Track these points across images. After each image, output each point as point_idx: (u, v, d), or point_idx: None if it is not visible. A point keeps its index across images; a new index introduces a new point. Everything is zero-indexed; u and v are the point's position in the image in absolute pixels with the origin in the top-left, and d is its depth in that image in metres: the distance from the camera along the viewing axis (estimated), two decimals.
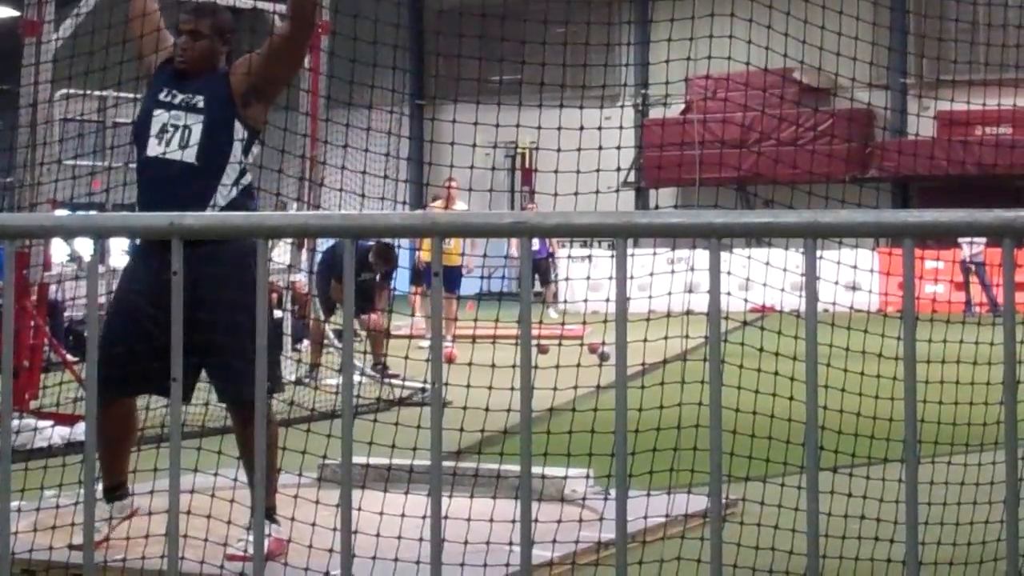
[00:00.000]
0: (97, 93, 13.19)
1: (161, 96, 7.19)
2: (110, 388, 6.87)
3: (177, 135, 7.08)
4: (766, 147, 26.07)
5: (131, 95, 11.28)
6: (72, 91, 12.82)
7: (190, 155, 7.03)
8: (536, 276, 23.21)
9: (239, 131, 7.10)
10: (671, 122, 33.07)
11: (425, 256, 20.19)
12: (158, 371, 6.71)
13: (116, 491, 7.28)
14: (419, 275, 20.96)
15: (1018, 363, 3.76)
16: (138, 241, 7.11)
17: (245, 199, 7.08)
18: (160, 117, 7.14)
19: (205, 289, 6.63)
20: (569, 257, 26.87)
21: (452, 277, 20.50)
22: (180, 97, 7.16)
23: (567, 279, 23.55)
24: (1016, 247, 3.76)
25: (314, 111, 14.06)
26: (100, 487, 7.20)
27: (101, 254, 4.57)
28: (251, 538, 6.37)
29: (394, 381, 14.31)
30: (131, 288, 7.04)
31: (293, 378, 14.19)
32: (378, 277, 17.09)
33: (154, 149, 7.11)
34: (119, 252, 17.56)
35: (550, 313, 24.45)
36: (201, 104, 7.11)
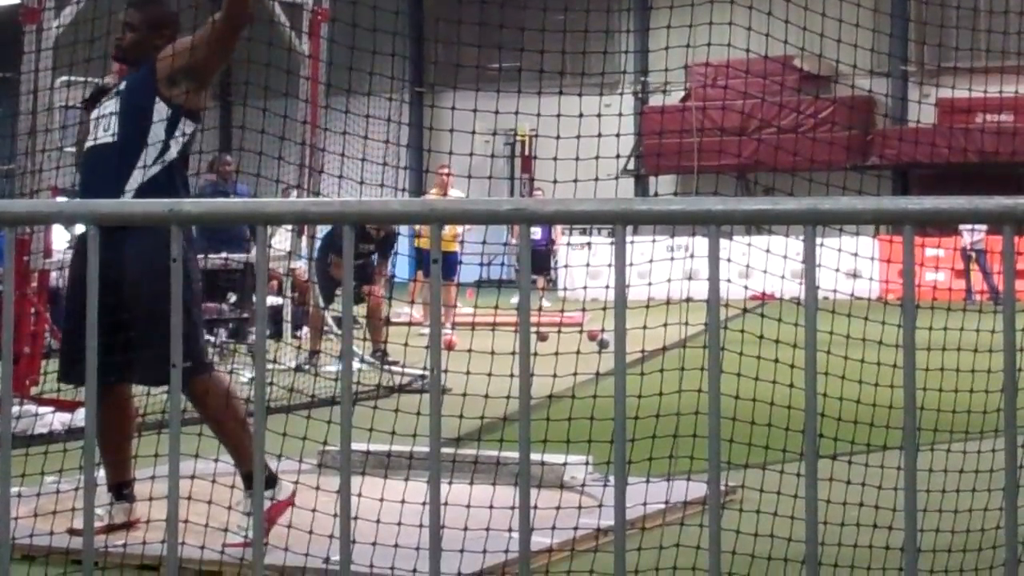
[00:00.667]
0: (98, 80, 13.17)
1: (103, 99, 7.49)
2: (78, 376, 6.91)
3: (102, 124, 7.32)
4: (766, 135, 26.07)
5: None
6: (73, 78, 12.82)
7: (109, 138, 7.26)
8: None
9: (160, 111, 7.21)
10: (671, 109, 33.05)
11: (424, 243, 20.20)
12: (113, 356, 6.79)
13: (122, 489, 7.29)
14: (423, 262, 20.97)
15: (1018, 351, 3.76)
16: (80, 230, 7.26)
17: (169, 175, 7.18)
18: (95, 114, 7.44)
19: (119, 273, 6.71)
20: (568, 244, 26.88)
21: (449, 264, 20.54)
22: (109, 93, 7.45)
23: (567, 266, 23.55)
24: (1017, 235, 3.76)
25: (314, 98, 14.05)
26: (102, 473, 7.21)
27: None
28: (249, 524, 6.41)
29: (393, 368, 14.31)
30: (77, 275, 7.14)
31: (293, 365, 14.20)
32: (376, 256, 17.08)
33: (88, 143, 7.42)
34: None
35: (543, 303, 24.44)
36: (122, 90, 7.35)
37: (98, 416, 6.92)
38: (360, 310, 16.76)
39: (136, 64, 7.40)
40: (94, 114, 7.43)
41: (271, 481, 7.03)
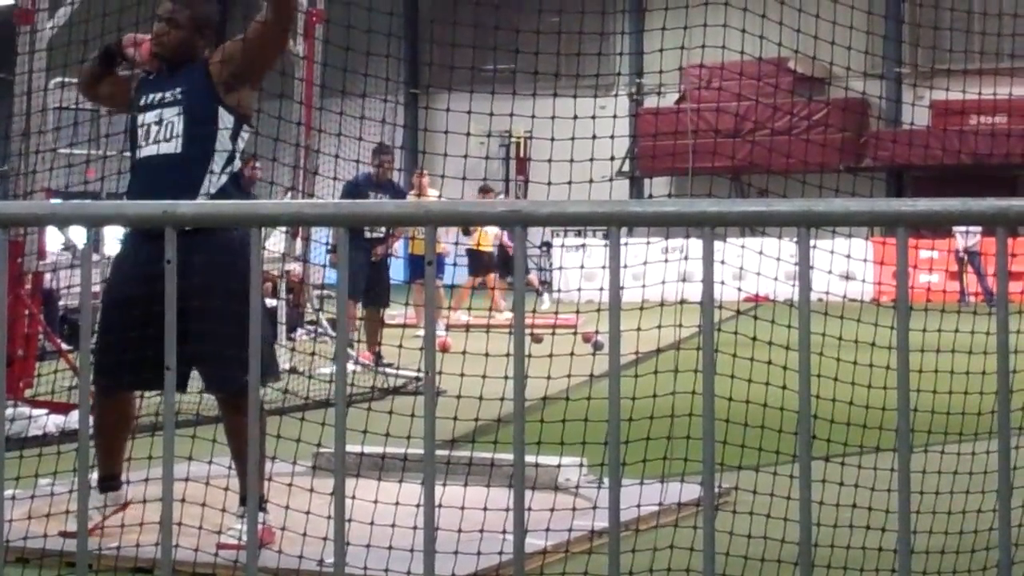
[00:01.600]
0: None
1: (143, 102, 7.25)
2: (107, 378, 6.90)
3: (162, 131, 7.12)
4: (760, 137, 26.09)
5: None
6: (66, 79, 12.81)
7: (175, 146, 7.07)
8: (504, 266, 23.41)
9: (224, 118, 7.11)
10: (665, 111, 33.08)
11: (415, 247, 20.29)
12: (153, 361, 6.76)
13: (110, 481, 7.29)
14: (413, 267, 21.00)
15: (1012, 353, 3.76)
16: (128, 231, 7.12)
17: (236, 183, 7.13)
18: (146, 119, 7.20)
19: (195, 277, 6.63)
20: (563, 246, 26.88)
21: (438, 265, 20.62)
22: (159, 96, 7.21)
23: (561, 268, 23.59)
24: (1010, 236, 3.76)
25: (308, 100, 14.05)
26: (96, 476, 7.21)
27: (95, 243, 4.57)
28: (243, 527, 6.40)
29: (388, 370, 14.32)
30: (123, 278, 7.04)
31: (287, 367, 14.20)
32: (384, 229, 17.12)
33: (141, 149, 7.18)
34: (113, 241, 17.58)
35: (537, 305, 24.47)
36: (180, 96, 7.14)
37: (99, 416, 6.97)
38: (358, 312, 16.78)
39: (174, 63, 7.23)
40: (141, 120, 7.20)
41: (261, 504, 7.00)
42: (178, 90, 7.16)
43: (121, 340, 6.79)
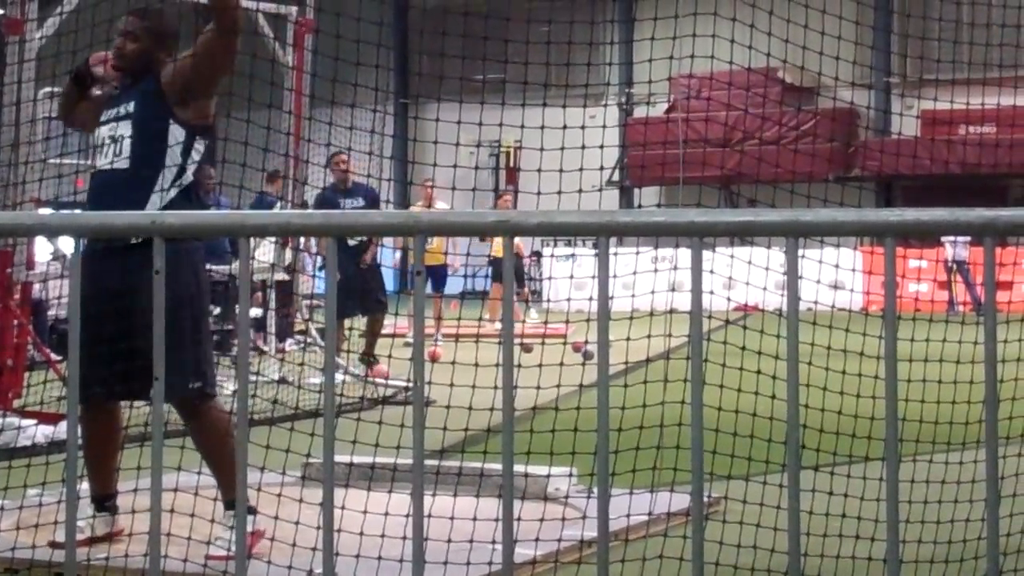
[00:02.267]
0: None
1: (103, 116, 7.28)
2: (91, 393, 6.89)
3: (114, 146, 7.16)
4: (750, 146, 26.10)
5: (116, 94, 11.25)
6: (56, 89, 12.79)
7: (124, 163, 7.11)
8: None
9: (175, 134, 7.12)
10: (655, 121, 33.07)
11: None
12: (124, 373, 6.77)
13: (104, 501, 7.27)
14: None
15: (1000, 362, 3.77)
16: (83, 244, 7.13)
17: (187, 197, 7.12)
18: (101, 132, 7.24)
19: (132, 294, 6.62)
20: (553, 256, 26.89)
21: (439, 276, 20.73)
22: (115, 110, 7.24)
23: (550, 278, 23.59)
24: (999, 246, 3.77)
25: (297, 109, 14.06)
26: (85, 486, 7.19)
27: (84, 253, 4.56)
28: (231, 536, 6.39)
29: (377, 380, 14.31)
30: (93, 292, 7.01)
31: (277, 376, 14.19)
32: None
33: (99, 164, 7.22)
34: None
35: (531, 312, 24.47)
36: (132, 111, 7.17)
37: (86, 429, 6.96)
38: (357, 323, 16.82)
39: (136, 76, 7.26)
40: (98, 133, 7.25)
41: (251, 510, 7.00)
42: (132, 104, 7.19)
43: (99, 354, 6.76)
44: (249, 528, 6.69)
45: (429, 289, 21.13)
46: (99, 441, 7.17)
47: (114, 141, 7.16)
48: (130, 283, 6.50)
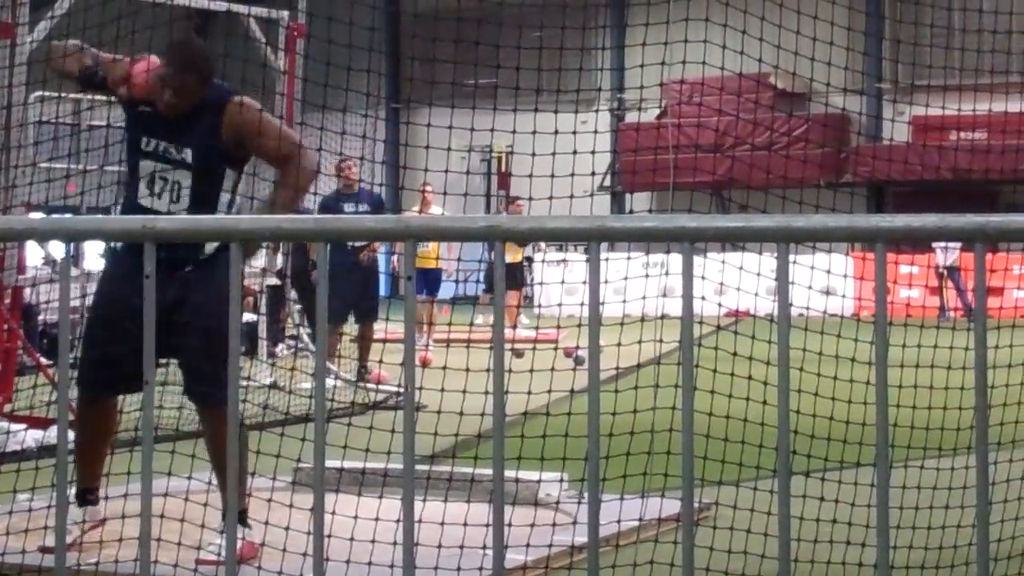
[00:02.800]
0: (72, 96, 13.16)
1: (144, 145, 7.19)
2: (96, 387, 6.93)
3: (168, 191, 7.12)
4: (741, 152, 26.11)
5: (106, 98, 11.25)
6: (47, 94, 12.78)
7: (181, 208, 7.08)
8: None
9: (230, 175, 7.21)
10: (646, 126, 33.10)
11: (418, 262, 20.31)
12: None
13: (87, 495, 7.28)
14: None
15: (991, 368, 3.77)
16: (118, 245, 7.12)
17: None
18: (147, 167, 7.16)
19: (185, 292, 6.73)
20: (544, 261, 26.88)
21: (432, 280, 20.76)
22: (164, 146, 7.15)
23: (542, 283, 23.57)
24: (990, 252, 3.77)
25: (289, 114, 14.02)
26: (74, 490, 7.19)
27: (75, 257, 4.56)
28: (223, 542, 6.38)
29: (368, 385, 14.30)
30: (119, 290, 7.01)
31: (268, 381, 14.18)
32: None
33: (145, 199, 7.14)
34: (93, 255, 17.54)
35: (521, 319, 24.45)
36: (189, 159, 7.10)
37: (82, 424, 7.00)
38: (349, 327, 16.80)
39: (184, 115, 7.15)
40: (142, 167, 7.16)
41: (242, 518, 7.02)
42: (188, 152, 7.11)
43: (115, 352, 6.80)
44: (241, 540, 6.72)
45: (423, 294, 21.19)
46: (92, 437, 7.21)
47: (167, 184, 7.12)
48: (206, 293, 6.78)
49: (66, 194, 13.53)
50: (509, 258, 22.12)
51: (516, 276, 23.01)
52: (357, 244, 16.12)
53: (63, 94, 12.33)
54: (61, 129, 14.16)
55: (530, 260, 29.31)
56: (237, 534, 6.38)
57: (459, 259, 21.11)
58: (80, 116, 14.25)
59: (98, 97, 11.98)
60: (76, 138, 14.12)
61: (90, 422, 7.17)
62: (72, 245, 4.42)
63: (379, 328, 19.04)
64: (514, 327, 20.30)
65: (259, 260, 15.25)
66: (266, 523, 6.96)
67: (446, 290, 21.28)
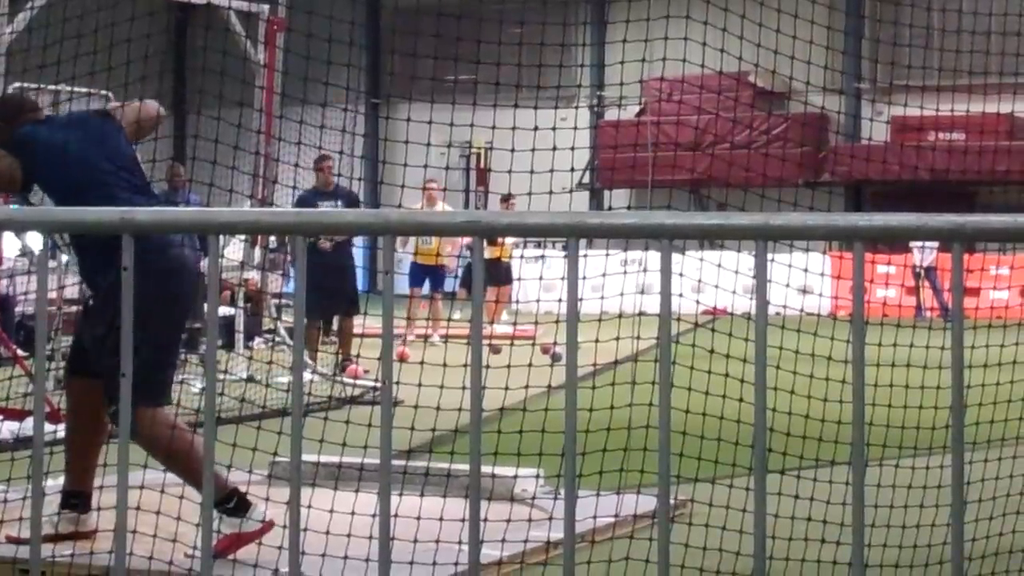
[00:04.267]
0: (51, 87, 13.12)
1: None
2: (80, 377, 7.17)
3: None
4: (720, 150, 26.15)
5: (84, 90, 11.23)
6: (26, 85, 12.75)
7: None
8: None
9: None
10: (626, 124, 33.10)
11: (418, 259, 20.40)
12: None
13: (71, 499, 7.20)
14: (414, 276, 20.99)
15: (967, 368, 3.78)
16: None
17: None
18: None
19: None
20: (522, 257, 26.87)
21: (438, 276, 20.88)
22: None
23: (520, 279, 23.57)
24: (967, 252, 3.78)
25: (268, 108, 14.03)
26: (51, 482, 7.14)
27: (52, 249, 4.55)
28: (225, 531, 6.46)
29: (345, 379, 14.29)
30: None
31: (245, 375, 14.16)
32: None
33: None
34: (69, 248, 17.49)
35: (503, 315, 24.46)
36: None
37: (72, 419, 7.01)
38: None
39: None
40: None
41: (244, 507, 6.93)
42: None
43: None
44: (236, 529, 6.73)
45: (426, 289, 21.23)
46: (81, 432, 7.19)
47: None
48: None
49: None
50: (496, 254, 22.17)
51: (504, 273, 23.00)
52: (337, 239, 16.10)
53: (42, 86, 12.30)
54: None
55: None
56: (234, 519, 6.74)
57: (459, 256, 21.15)
58: (59, 108, 14.22)
59: (78, 88, 11.96)
60: None
61: (83, 418, 7.17)
62: (49, 237, 4.41)
63: (364, 323, 19.07)
64: (491, 323, 20.30)
65: (237, 253, 15.25)
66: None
67: (449, 287, 21.40)
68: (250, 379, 13.81)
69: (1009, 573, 6.72)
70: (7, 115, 7.36)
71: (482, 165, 37.73)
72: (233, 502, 6.89)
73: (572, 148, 9.03)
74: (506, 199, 20.56)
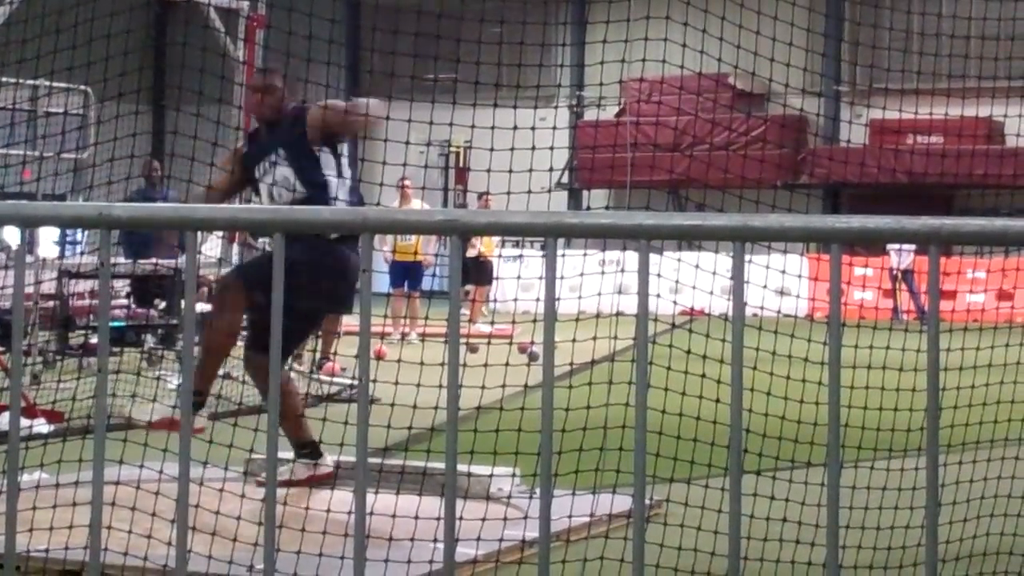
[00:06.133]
0: (29, 82, 13.10)
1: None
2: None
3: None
4: (699, 151, 26.17)
5: (63, 84, 11.22)
6: (4, 79, 12.71)
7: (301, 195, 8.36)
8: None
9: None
10: (605, 124, 33.11)
11: (398, 256, 20.38)
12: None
13: (305, 448, 8.31)
14: (394, 275, 20.96)
15: (943, 370, 3.79)
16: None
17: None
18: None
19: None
20: (500, 256, 26.87)
21: (416, 274, 20.84)
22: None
23: (498, 278, 23.58)
24: (943, 255, 3.79)
25: (247, 105, 13.99)
26: (26, 476, 7.15)
27: (29, 243, 4.54)
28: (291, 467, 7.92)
29: (322, 377, 14.27)
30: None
31: (222, 372, 14.10)
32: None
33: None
34: (48, 243, 17.46)
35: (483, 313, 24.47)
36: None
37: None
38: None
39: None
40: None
41: (317, 451, 8.23)
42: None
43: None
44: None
45: (404, 287, 21.22)
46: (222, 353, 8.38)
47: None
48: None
49: (21, 180, 13.48)
50: (476, 253, 22.20)
51: (486, 272, 23.03)
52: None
53: (20, 80, 12.27)
54: (17, 115, 14.08)
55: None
56: (308, 461, 8.17)
57: (437, 254, 21.12)
58: (37, 103, 14.18)
59: (57, 84, 11.95)
60: (33, 124, 14.05)
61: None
62: (27, 231, 4.40)
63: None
64: (471, 321, 20.33)
65: (215, 249, 15.20)
66: (216, 513, 6.95)
67: (427, 285, 21.41)
68: (226, 376, 13.78)
69: (983, 575, 6.74)
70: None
71: (461, 164, 37.75)
72: (309, 449, 8.26)
73: (551, 148, 9.03)
74: (480, 197, 20.53)
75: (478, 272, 22.52)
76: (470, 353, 7.28)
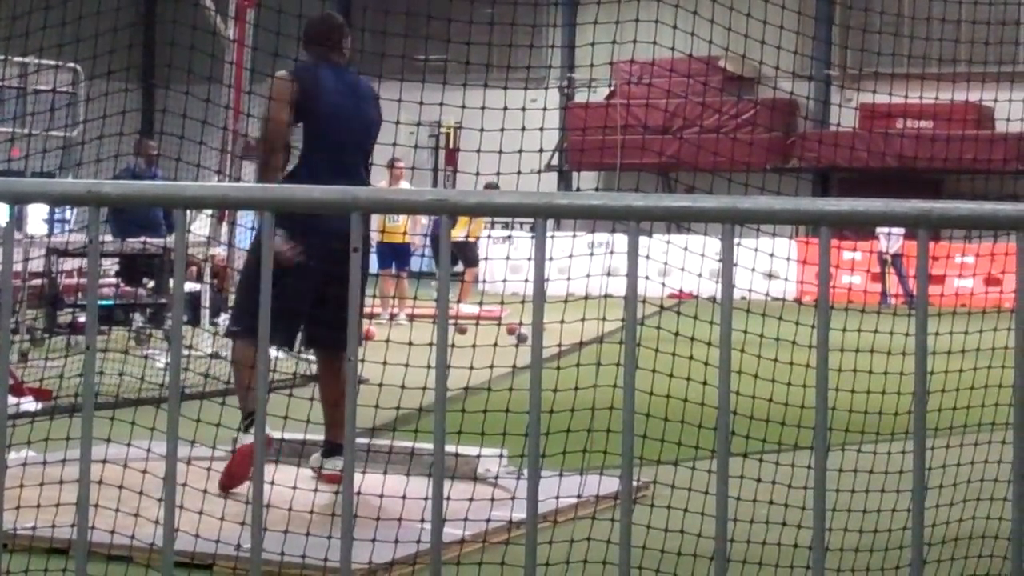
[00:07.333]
0: (18, 59, 13.07)
1: None
2: (277, 338, 8.17)
3: None
4: (689, 134, 26.15)
5: (52, 62, 11.19)
6: None
7: None
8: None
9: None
10: (595, 106, 33.12)
11: (386, 237, 20.32)
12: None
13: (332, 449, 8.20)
14: (382, 256, 20.92)
15: (930, 354, 3.80)
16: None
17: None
18: None
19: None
20: (490, 237, 26.88)
21: (402, 254, 20.81)
22: None
23: (487, 259, 23.58)
24: (932, 239, 3.80)
25: (237, 83, 13.97)
26: (12, 455, 7.14)
27: (18, 221, 4.53)
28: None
29: (310, 357, 14.26)
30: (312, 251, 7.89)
31: (210, 351, 14.12)
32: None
33: None
34: (37, 220, 17.43)
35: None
36: None
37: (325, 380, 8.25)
38: None
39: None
40: None
41: (339, 450, 7.97)
42: None
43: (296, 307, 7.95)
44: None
45: (392, 268, 21.20)
46: (332, 386, 8.18)
47: None
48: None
49: (10, 158, 13.44)
50: (465, 233, 22.14)
51: (473, 253, 23.00)
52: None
53: (8, 57, 12.24)
54: (5, 92, 14.06)
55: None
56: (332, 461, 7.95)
57: (425, 235, 21.11)
58: (26, 80, 14.15)
59: (46, 61, 11.92)
60: (21, 102, 14.01)
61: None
62: (15, 208, 4.39)
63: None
64: (458, 302, 20.34)
65: (204, 228, 15.20)
66: (204, 491, 6.95)
67: (414, 265, 21.40)
68: (215, 355, 13.78)
69: (968, 558, 6.76)
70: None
71: (451, 145, 37.70)
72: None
73: (541, 129, 9.03)
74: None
75: (464, 253, 22.51)
76: (459, 334, 7.29)
